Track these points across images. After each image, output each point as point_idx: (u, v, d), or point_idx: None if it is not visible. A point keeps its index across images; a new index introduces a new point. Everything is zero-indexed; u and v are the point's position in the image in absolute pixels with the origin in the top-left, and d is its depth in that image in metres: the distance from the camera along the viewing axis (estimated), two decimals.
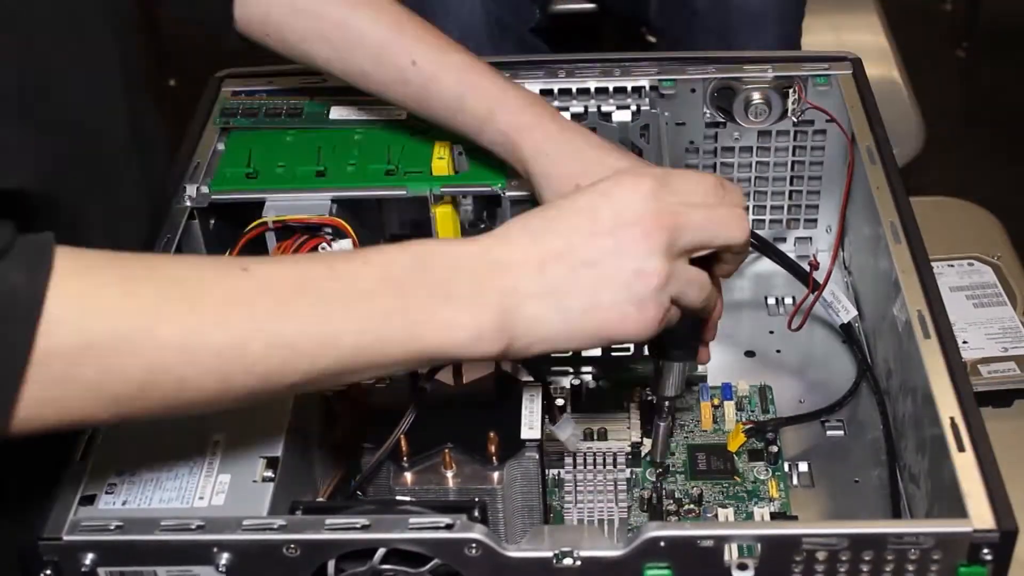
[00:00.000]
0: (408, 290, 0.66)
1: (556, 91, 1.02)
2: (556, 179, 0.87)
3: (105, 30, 0.79)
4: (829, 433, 0.94)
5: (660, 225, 0.68)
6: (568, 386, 0.96)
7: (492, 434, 0.78)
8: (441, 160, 0.92)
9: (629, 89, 1.01)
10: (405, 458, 0.78)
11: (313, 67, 0.93)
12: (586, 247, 0.67)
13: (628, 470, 0.90)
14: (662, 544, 0.68)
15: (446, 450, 0.78)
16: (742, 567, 0.68)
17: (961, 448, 0.72)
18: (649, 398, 0.94)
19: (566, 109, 1.01)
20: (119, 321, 0.61)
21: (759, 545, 0.68)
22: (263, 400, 0.66)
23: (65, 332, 0.60)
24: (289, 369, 0.64)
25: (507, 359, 0.72)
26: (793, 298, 1.05)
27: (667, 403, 0.87)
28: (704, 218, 0.70)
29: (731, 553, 0.68)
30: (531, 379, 0.83)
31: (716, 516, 0.87)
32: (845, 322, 0.99)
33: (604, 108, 1.01)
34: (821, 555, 0.68)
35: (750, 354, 1.01)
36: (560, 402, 0.93)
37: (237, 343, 0.63)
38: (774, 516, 0.86)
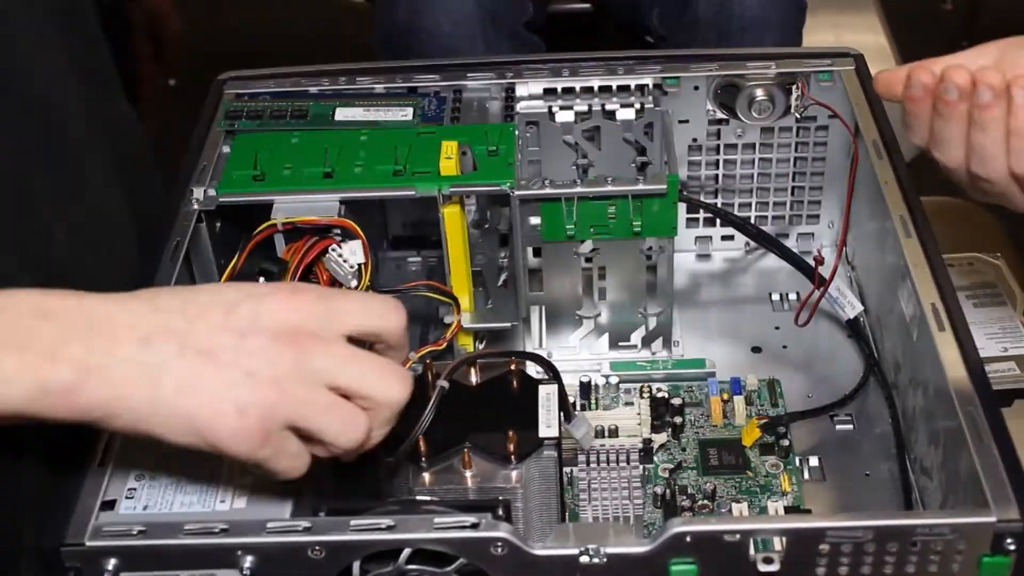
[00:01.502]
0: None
1: (559, 90, 1.02)
2: None
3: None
4: (838, 427, 0.94)
5: (294, 342, 0.64)
6: (578, 383, 0.96)
7: (510, 433, 0.78)
8: (449, 160, 0.92)
9: (633, 87, 1.01)
10: (423, 458, 0.78)
11: None
12: (206, 336, 0.64)
13: (640, 466, 0.90)
14: (688, 540, 0.68)
15: (465, 450, 0.78)
16: (767, 561, 0.68)
17: (981, 439, 0.72)
18: (660, 395, 0.94)
19: (570, 108, 1.01)
20: None
21: (785, 539, 0.68)
22: None
23: None
24: None
25: (97, 427, 0.65)
26: (797, 294, 1.05)
27: None
28: (354, 353, 0.66)
29: (757, 547, 0.68)
30: (547, 377, 0.83)
31: (730, 511, 0.87)
32: (851, 317, 1.00)
33: (608, 106, 1.01)
34: (846, 548, 0.68)
35: (756, 350, 1.02)
36: (571, 399, 0.94)
37: None
38: (788, 510, 0.87)
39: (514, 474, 0.78)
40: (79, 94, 0.81)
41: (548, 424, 0.80)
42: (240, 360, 0.63)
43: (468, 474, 0.78)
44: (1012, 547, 0.68)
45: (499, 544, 0.68)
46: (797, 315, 1.01)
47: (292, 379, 0.64)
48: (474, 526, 0.68)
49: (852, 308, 0.99)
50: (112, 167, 0.85)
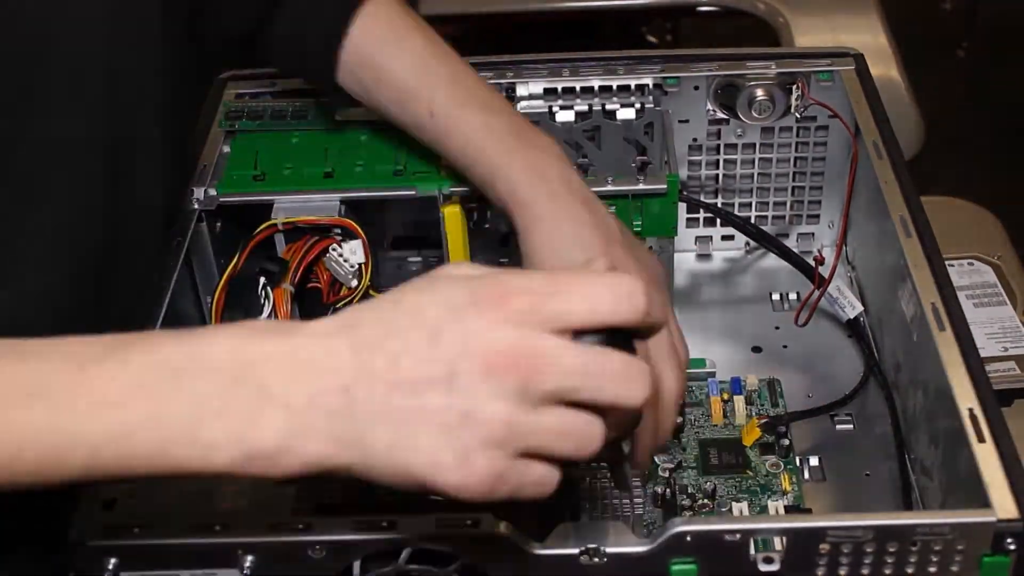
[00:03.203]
0: (165, 399, 0.56)
1: (560, 89, 1.02)
2: (537, 263, 0.80)
3: None
4: (839, 427, 0.94)
5: (513, 368, 0.55)
6: None
7: None
8: None
9: (633, 87, 1.01)
10: None
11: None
12: (412, 375, 0.56)
13: None
14: (688, 539, 0.68)
15: None
16: (768, 560, 0.68)
17: (981, 439, 0.72)
18: None
19: (570, 108, 1.01)
20: None
21: (785, 538, 0.68)
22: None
23: None
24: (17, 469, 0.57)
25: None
26: (798, 293, 1.05)
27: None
28: (584, 362, 0.56)
29: (757, 547, 0.68)
30: None
31: (730, 510, 0.87)
32: (851, 317, 1.00)
33: (608, 106, 1.01)
34: (846, 547, 0.68)
35: (757, 349, 1.02)
36: None
37: None
38: (788, 509, 0.87)
39: None
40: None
41: None
42: (453, 402, 0.55)
43: None
44: (1012, 547, 0.68)
45: (500, 543, 0.68)
46: (797, 315, 1.01)
47: (515, 412, 0.55)
48: (474, 525, 0.68)
49: (852, 308, 0.99)
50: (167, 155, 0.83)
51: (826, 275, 0.99)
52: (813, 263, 1.00)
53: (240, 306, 0.92)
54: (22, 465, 0.57)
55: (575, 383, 0.56)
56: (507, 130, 0.84)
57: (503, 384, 0.55)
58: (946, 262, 0.86)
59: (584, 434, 0.57)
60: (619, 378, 0.57)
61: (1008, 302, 1.07)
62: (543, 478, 0.58)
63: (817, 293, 0.99)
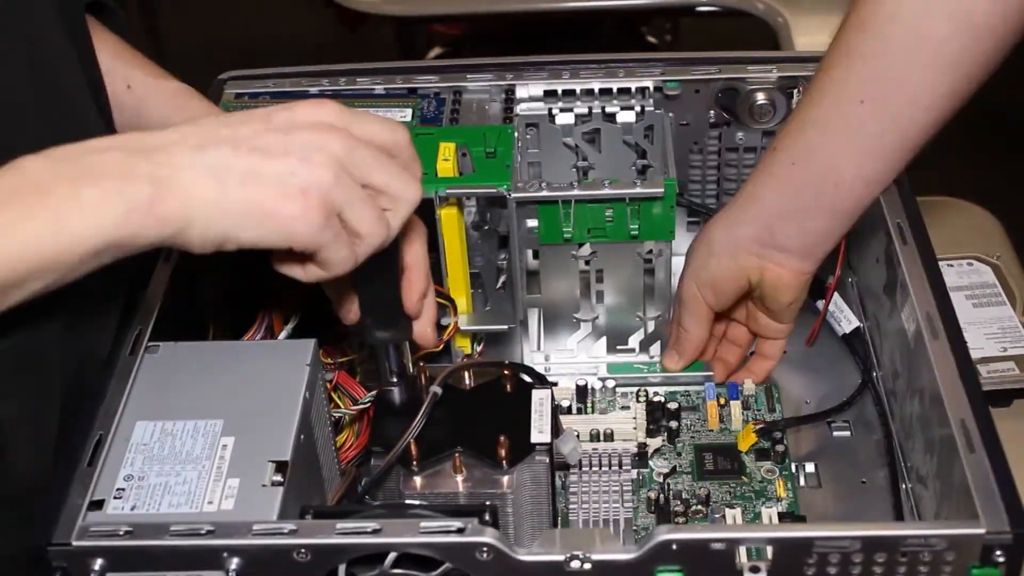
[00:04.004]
0: (49, 186, 0.63)
1: (560, 92, 1.01)
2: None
3: None
4: (836, 434, 0.94)
5: (335, 133, 0.69)
6: (574, 387, 0.96)
7: (502, 438, 0.78)
8: (446, 162, 0.92)
9: (633, 90, 1.01)
10: (414, 462, 0.78)
11: None
12: (255, 137, 0.68)
13: (635, 471, 0.90)
14: (674, 547, 0.68)
15: (456, 454, 0.78)
16: (754, 570, 0.68)
17: (972, 450, 0.72)
18: (656, 399, 0.94)
19: (570, 110, 1.01)
20: None
21: (771, 548, 0.68)
22: None
23: None
24: None
25: (186, 248, 0.68)
26: None
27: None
28: (376, 156, 0.70)
29: (743, 556, 0.68)
30: (539, 382, 0.83)
31: (724, 517, 0.87)
32: (847, 332, 0.99)
33: (608, 109, 1.01)
34: (834, 558, 0.68)
35: (754, 354, 1.01)
36: (566, 403, 0.94)
37: None
38: (782, 516, 0.86)
39: (505, 479, 0.78)
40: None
41: (540, 430, 0.80)
42: (292, 150, 0.67)
43: (459, 479, 0.78)
44: (1001, 559, 0.67)
45: (484, 549, 0.68)
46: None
47: (342, 165, 0.68)
48: (460, 531, 0.68)
49: (848, 323, 0.99)
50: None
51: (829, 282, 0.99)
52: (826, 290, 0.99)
53: (236, 306, 0.92)
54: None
55: (378, 166, 0.70)
56: (206, 100, 0.94)
57: (332, 142, 0.68)
58: (945, 262, 0.86)
59: (379, 214, 0.70)
60: (403, 176, 0.71)
61: (1007, 302, 1.06)
62: (347, 246, 0.69)
63: (821, 311, 0.99)
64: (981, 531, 0.67)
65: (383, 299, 0.78)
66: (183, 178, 0.66)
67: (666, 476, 0.90)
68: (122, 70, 0.91)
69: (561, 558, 0.68)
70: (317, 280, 0.72)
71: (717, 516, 0.87)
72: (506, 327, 0.96)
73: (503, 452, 0.78)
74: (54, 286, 0.65)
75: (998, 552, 0.67)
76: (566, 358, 0.99)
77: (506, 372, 0.83)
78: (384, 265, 0.75)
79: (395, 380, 0.81)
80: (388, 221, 0.71)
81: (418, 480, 0.78)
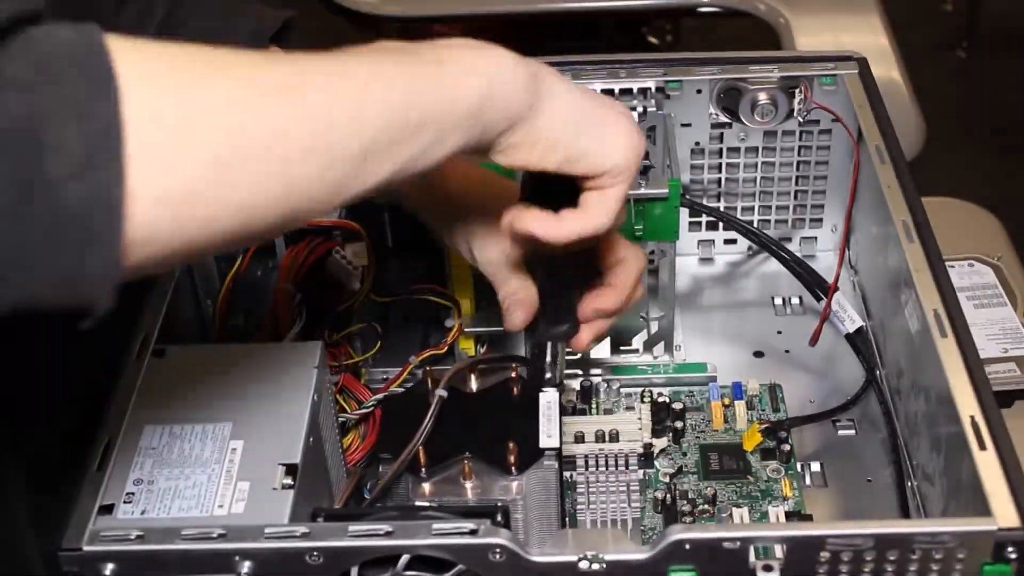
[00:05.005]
0: (423, 50, 0.64)
1: None
2: None
3: None
4: (840, 433, 0.94)
5: None
6: (579, 388, 0.96)
7: (511, 444, 0.78)
8: None
9: (635, 90, 1.01)
10: (423, 469, 0.78)
11: None
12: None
13: (641, 471, 0.90)
14: (687, 547, 0.68)
15: (464, 460, 0.78)
16: (767, 568, 0.67)
17: (982, 446, 0.72)
18: (661, 399, 0.94)
19: None
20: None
21: (784, 546, 0.68)
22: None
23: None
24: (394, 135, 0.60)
25: (515, 149, 0.67)
26: (800, 298, 1.05)
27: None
28: None
29: (756, 555, 0.68)
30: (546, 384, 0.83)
31: (731, 516, 0.87)
32: (851, 331, 0.99)
33: None
34: (846, 555, 0.68)
35: (759, 354, 1.01)
36: (572, 402, 0.94)
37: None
38: (788, 515, 0.87)
39: (514, 485, 0.78)
40: None
41: (549, 434, 0.79)
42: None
43: (468, 485, 0.78)
44: (1013, 555, 0.67)
45: (497, 550, 0.68)
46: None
47: None
48: (472, 532, 0.68)
49: (851, 323, 0.99)
50: None
51: (831, 281, 0.99)
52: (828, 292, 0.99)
53: (242, 309, 0.92)
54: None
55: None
56: None
57: None
58: (946, 263, 0.85)
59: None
60: None
61: (1008, 303, 1.06)
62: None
63: (823, 311, 0.99)
64: (994, 527, 0.67)
65: (564, 295, 0.77)
66: (549, 77, 0.67)
67: (672, 476, 0.90)
68: None
69: (574, 558, 0.68)
70: (567, 238, 0.71)
71: (724, 516, 0.87)
72: None
73: (512, 458, 0.78)
74: (430, 156, 0.62)
75: (1010, 549, 0.67)
76: (570, 359, 0.99)
77: (513, 374, 0.83)
78: (582, 260, 0.76)
79: (552, 379, 0.79)
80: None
81: (427, 487, 0.78)
